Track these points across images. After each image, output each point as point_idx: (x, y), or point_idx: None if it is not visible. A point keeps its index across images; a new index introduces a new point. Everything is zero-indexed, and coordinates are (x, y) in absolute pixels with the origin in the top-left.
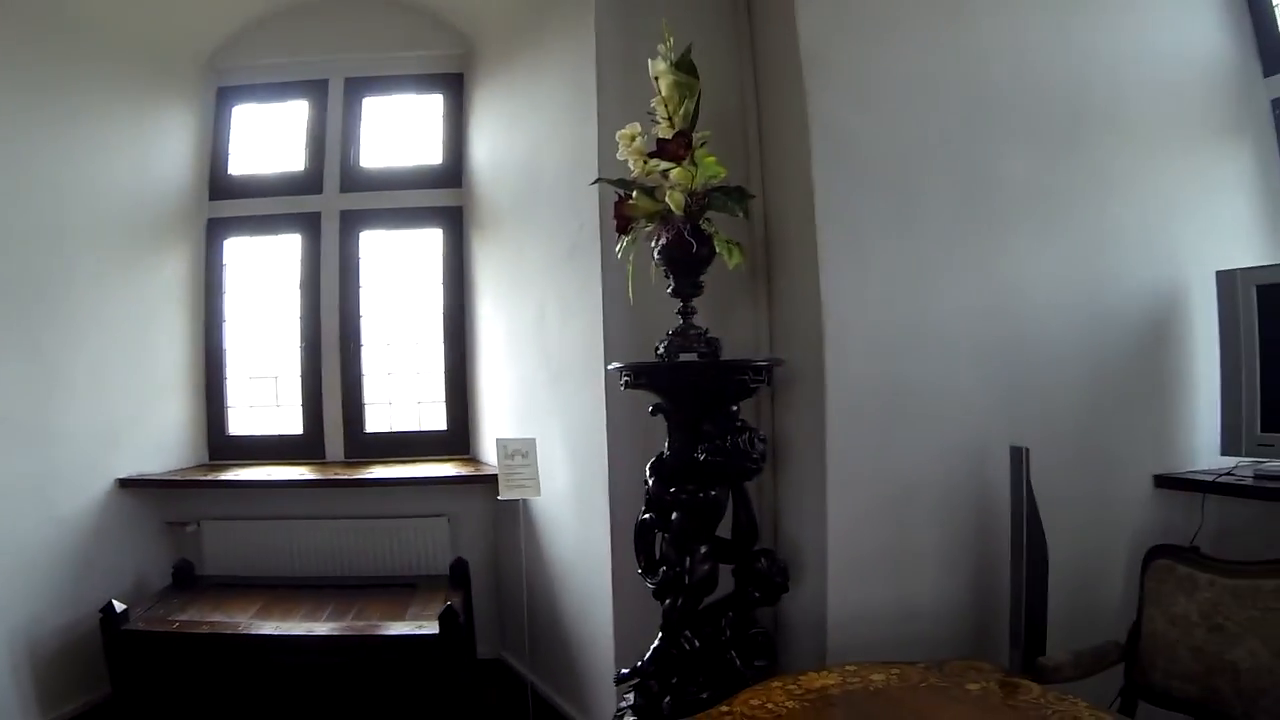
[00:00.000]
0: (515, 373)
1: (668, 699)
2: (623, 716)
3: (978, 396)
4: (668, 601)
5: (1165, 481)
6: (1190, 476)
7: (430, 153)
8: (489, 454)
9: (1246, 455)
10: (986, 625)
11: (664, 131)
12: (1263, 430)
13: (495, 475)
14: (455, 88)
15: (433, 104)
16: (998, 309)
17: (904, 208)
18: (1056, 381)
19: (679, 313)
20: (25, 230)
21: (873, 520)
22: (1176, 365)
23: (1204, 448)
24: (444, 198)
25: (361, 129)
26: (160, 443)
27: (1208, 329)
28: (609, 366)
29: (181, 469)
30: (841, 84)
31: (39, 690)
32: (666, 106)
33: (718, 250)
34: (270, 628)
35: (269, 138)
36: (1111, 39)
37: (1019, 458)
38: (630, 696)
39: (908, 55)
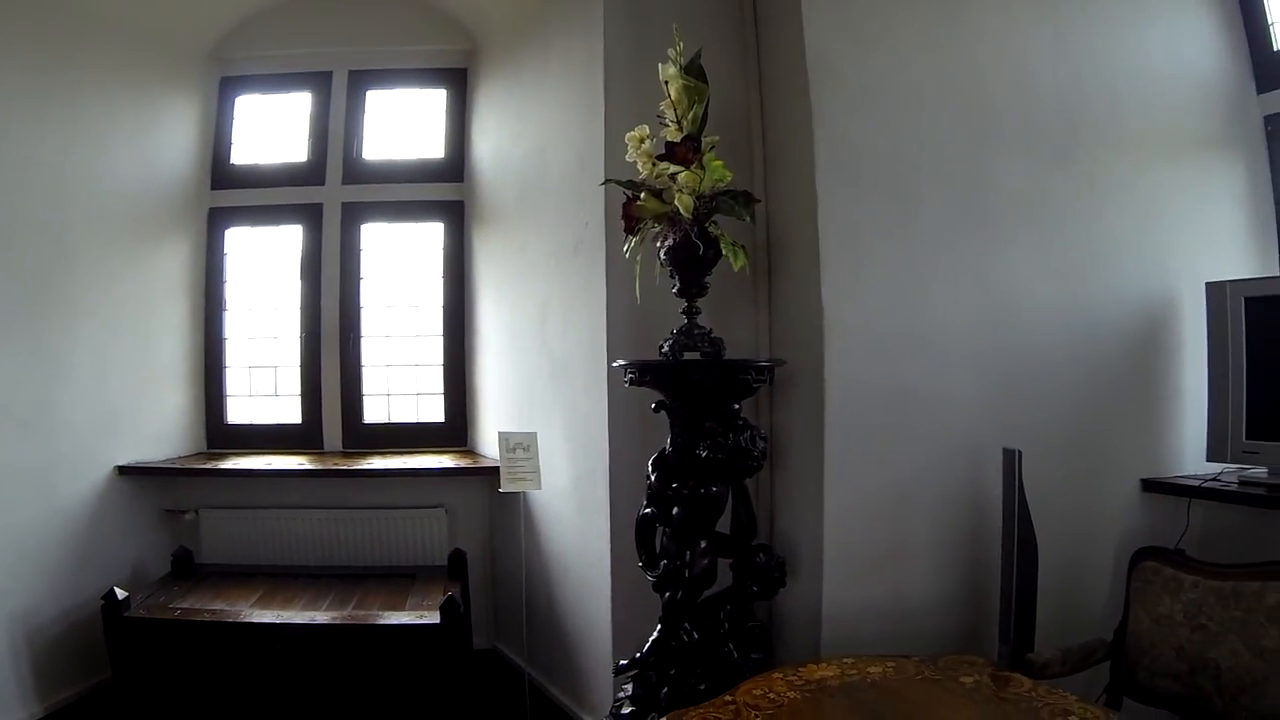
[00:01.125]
0: (515, 367)
1: (666, 689)
2: (620, 707)
3: (972, 400)
4: (667, 594)
5: (1152, 485)
6: (1177, 481)
7: (433, 147)
8: (486, 446)
9: (1232, 461)
10: (977, 622)
11: (672, 135)
12: (1248, 438)
13: (493, 468)
14: (458, 83)
15: (436, 98)
16: (992, 314)
17: (903, 214)
18: (1048, 386)
19: (684, 312)
20: (27, 219)
21: (868, 518)
22: (1165, 373)
23: (1190, 453)
24: (446, 192)
25: (364, 121)
26: (159, 431)
27: (1197, 338)
28: (613, 363)
29: (180, 457)
30: (845, 92)
31: (37, 676)
32: (675, 110)
33: (724, 252)
34: (271, 616)
35: (271, 128)
36: (1108, 53)
37: (1011, 460)
38: (629, 687)
39: (909, 64)
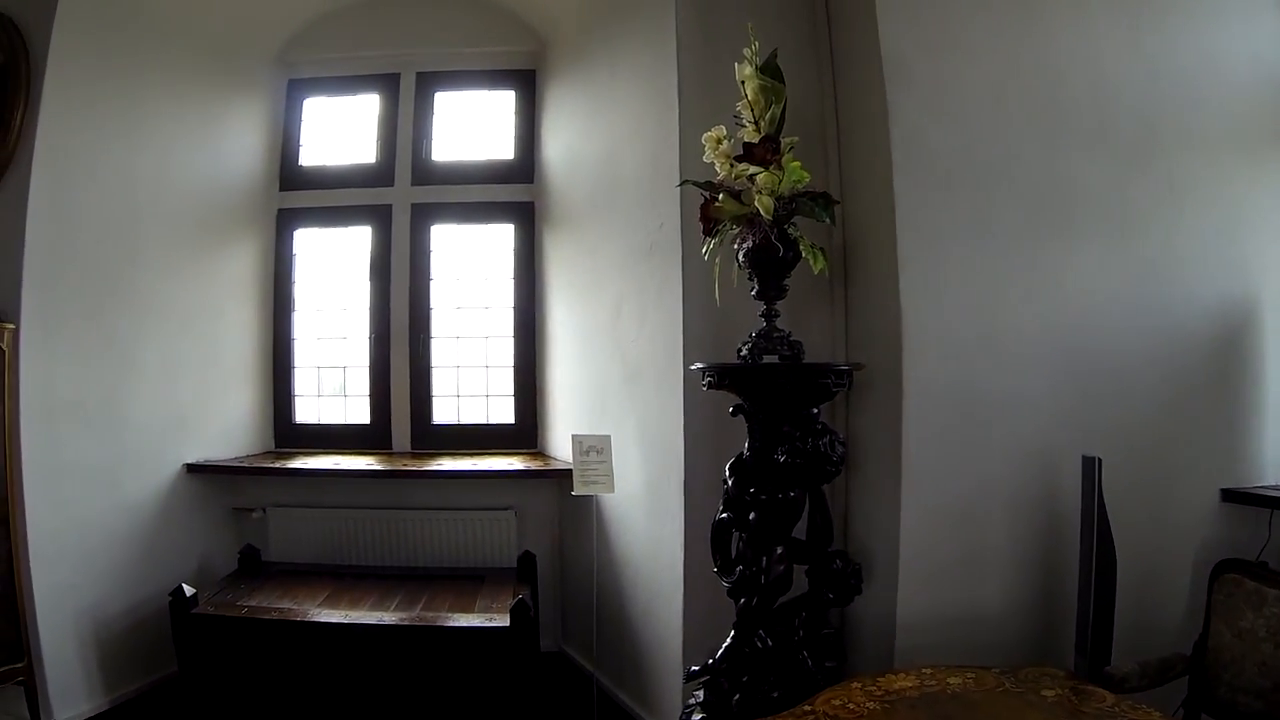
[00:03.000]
0: (588, 369)
1: (738, 697)
2: (691, 713)
3: (1047, 404)
4: (742, 600)
5: (1232, 496)
6: (1258, 492)
7: (502, 148)
8: (557, 449)
9: None
10: (1051, 632)
11: (750, 135)
12: None
13: (564, 470)
14: (527, 84)
15: (504, 99)
16: (1069, 317)
17: (979, 215)
18: (1125, 392)
19: (762, 315)
20: (97, 221)
21: (944, 524)
22: (1245, 379)
23: (1272, 463)
24: (515, 193)
25: (433, 123)
26: (228, 430)
27: (1278, 343)
28: (691, 366)
29: (248, 456)
30: (921, 92)
31: (104, 669)
32: (753, 110)
33: (803, 255)
34: (338, 616)
35: (340, 130)
36: (1185, 52)
37: (1091, 467)
38: (699, 693)
39: (984, 65)
